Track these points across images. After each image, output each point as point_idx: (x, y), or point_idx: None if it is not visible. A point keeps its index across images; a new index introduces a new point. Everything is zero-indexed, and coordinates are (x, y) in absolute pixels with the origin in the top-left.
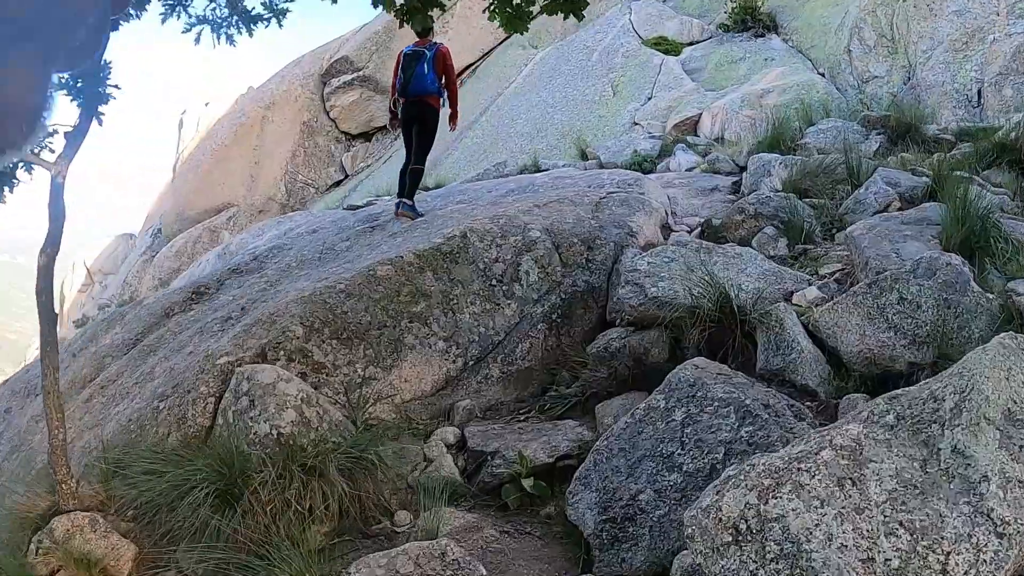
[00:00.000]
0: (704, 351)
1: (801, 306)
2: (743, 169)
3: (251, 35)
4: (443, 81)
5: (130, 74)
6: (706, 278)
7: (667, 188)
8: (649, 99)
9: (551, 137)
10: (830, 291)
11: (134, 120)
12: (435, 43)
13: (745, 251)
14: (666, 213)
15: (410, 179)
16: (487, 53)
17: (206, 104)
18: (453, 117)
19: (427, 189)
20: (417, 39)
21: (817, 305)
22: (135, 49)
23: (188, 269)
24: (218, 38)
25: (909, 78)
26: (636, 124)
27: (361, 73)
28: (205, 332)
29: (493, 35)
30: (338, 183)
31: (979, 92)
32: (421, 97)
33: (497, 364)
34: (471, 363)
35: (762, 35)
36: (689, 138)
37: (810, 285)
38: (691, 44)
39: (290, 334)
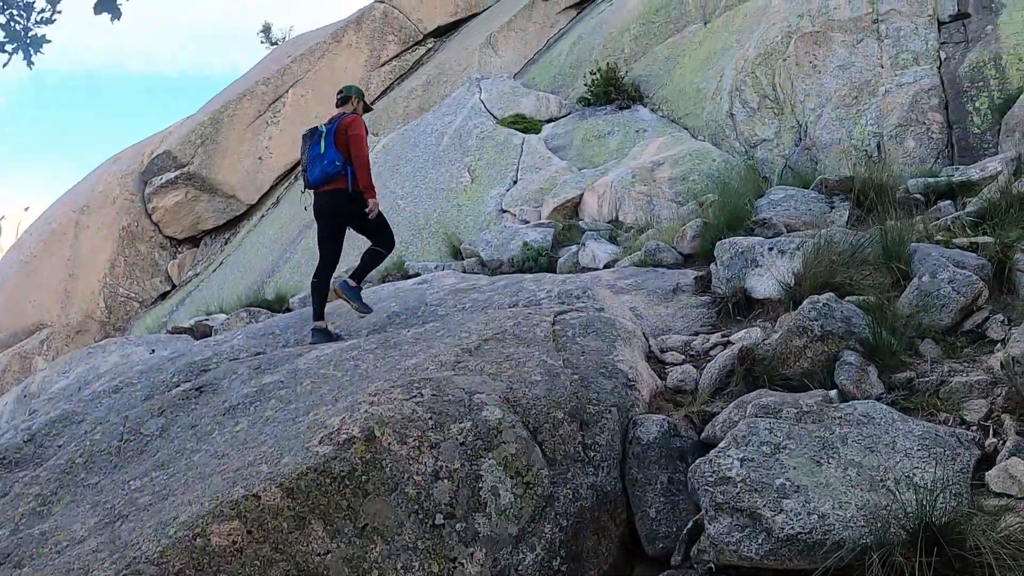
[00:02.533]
0: None
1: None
2: (688, 258)
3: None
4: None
5: None
6: (869, 479)
7: (617, 294)
8: (515, 182)
9: (404, 232)
10: None
11: None
12: (344, 114)
13: (871, 408)
14: (644, 336)
15: (365, 262)
16: None
17: (25, 209)
18: (368, 195)
19: (265, 305)
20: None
21: None
22: None
23: None
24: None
25: (801, 138)
26: (504, 211)
27: (185, 170)
28: None
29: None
30: (164, 295)
31: (879, 146)
32: (327, 184)
33: None
34: None
35: (627, 106)
36: (581, 223)
37: (999, 451)
38: (551, 121)
39: None
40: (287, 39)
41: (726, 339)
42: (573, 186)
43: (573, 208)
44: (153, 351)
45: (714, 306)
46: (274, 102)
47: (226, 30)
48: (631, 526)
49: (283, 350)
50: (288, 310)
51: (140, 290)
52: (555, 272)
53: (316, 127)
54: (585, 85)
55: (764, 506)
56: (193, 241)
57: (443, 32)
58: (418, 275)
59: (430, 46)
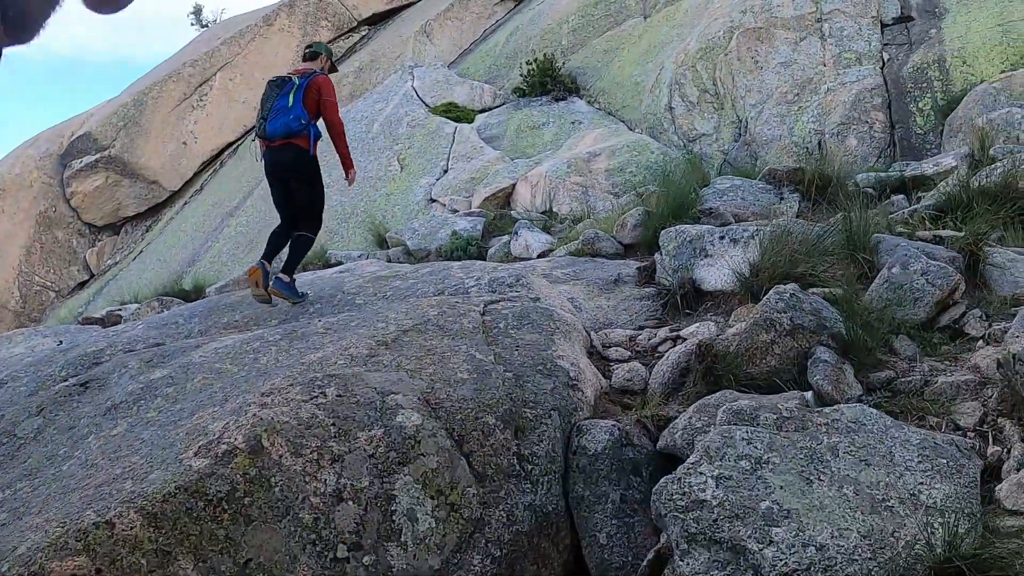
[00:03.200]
0: None
1: None
2: (629, 248)
3: None
4: (317, 119)
5: None
6: (869, 499)
7: (553, 283)
8: (445, 172)
9: (330, 220)
10: None
11: None
12: (315, 71)
13: (861, 413)
14: (585, 330)
15: (293, 251)
16: (249, 131)
17: None
18: (346, 165)
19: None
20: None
21: None
22: None
23: None
24: None
25: (740, 134)
26: (433, 201)
27: (106, 153)
28: None
29: (256, 111)
30: (82, 284)
31: (820, 143)
32: (286, 140)
33: None
34: None
35: (563, 98)
36: (513, 213)
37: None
38: (484, 111)
39: None
40: (218, 21)
41: (675, 334)
42: (506, 176)
43: (505, 199)
44: (60, 342)
45: (659, 298)
46: (201, 85)
47: (160, 14)
48: (577, 553)
49: (182, 341)
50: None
51: (57, 279)
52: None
53: (287, 76)
54: (521, 75)
55: (749, 536)
56: (113, 228)
57: (378, 20)
58: (340, 263)
59: (364, 33)
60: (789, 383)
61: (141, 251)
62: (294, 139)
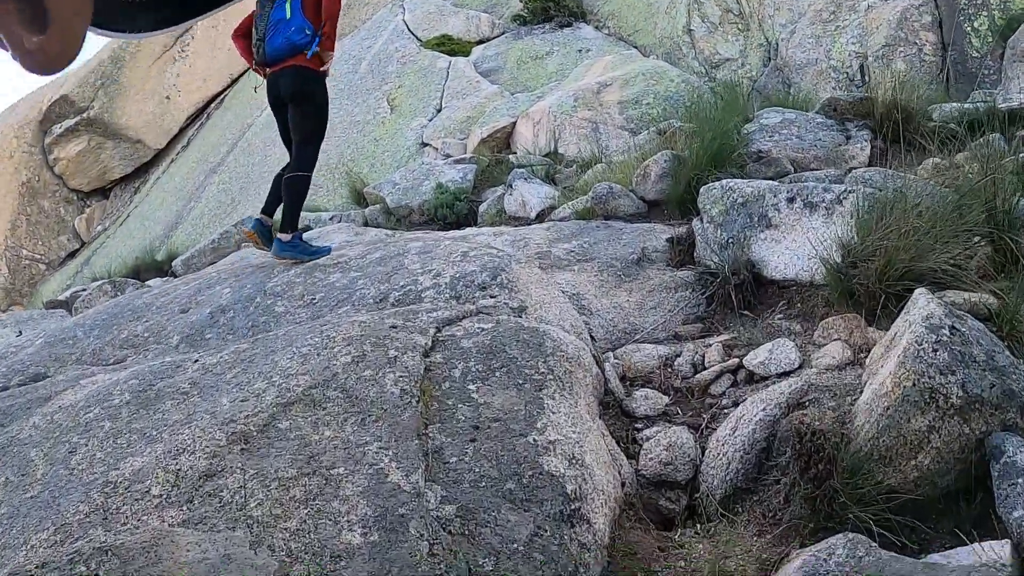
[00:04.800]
0: None
1: None
2: (653, 206)
3: None
4: (322, 27)
5: None
6: None
7: (550, 270)
8: (439, 111)
9: (317, 175)
10: None
11: None
12: None
13: None
14: (596, 359)
15: (287, 197)
16: (236, 79)
17: None
18: (329, 45)
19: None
20: None
21: None
22: None
23: None
24: None
25: (770, 58)
26: (426, 145)
27: (86, 115)
28: None
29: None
30: (73, 254)
31: (862, 68)
32: (290, 61)
33: None
34: None
35: (568, 24)
36: (512, 157)
37: None
38: (481, 42)
39: None
40: None
41: (736, 361)
42: (505, 113)
43: (505, 139)
44: (20, 332)
45: (702, 287)
46: (182, 35)
47: None
48: None
49: (39, 385)
50: (173, 274)
51: (46, 250)
52: (476, 223)
53: None
54: (521, 2)
55: None
56: (102, 193)
57: None
58: (308, 228)
59: None
60: (949, 501)
61: (128, 215)
62: (299, 58)
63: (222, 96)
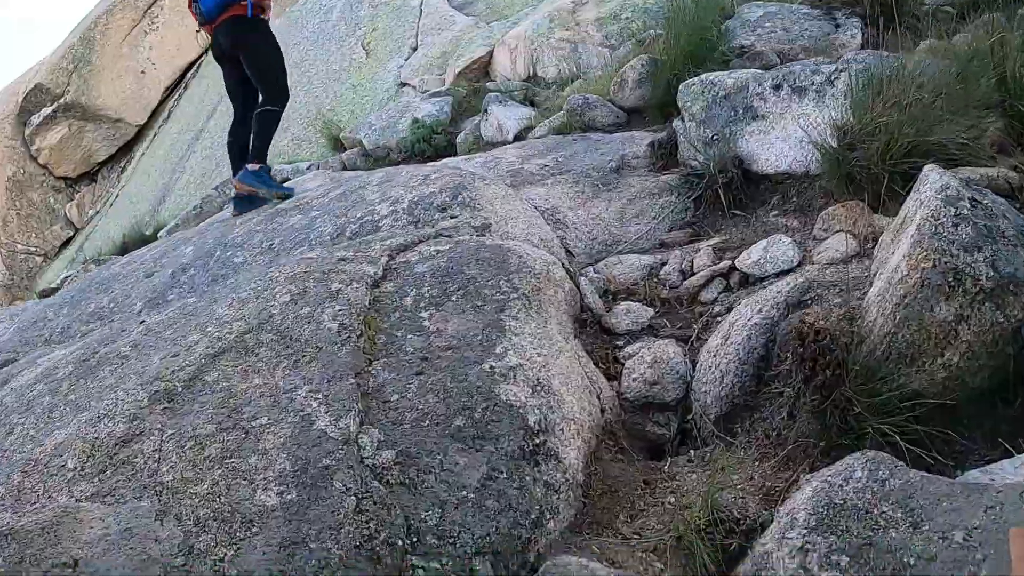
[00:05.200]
0: None
1: None
2: (633, 114)
3: None
4: None
5: None
6: None
7: (522, 187)
8: (414, 50)
9: (296, 127)
10: None
11: None
12: None
13: None
14: (569, 273)
15: (256, 128)
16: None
17: None
18: None
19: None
20: None
21: None
22: None
23: None
24: None
25: None
26: (404, 85)
27: (63, 101)
28: None
29: None
30: (68, 241)
31: None
32: (223, 15)
33: None
34: None
35: None
36: (489, 85)
37: None
38: None
39: None
40: None
41: (728, 263)
42: (481, 44)
43: (483, 69)
44: None
45: (687, 190)
46: (150, 7)
47: None
48: None
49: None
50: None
51: (40, 242)
52: (456, 155)
53: None
54: None
55: None
56: (90, 176)
57: None
58: (286, 180)
59: None
60: (984, 403)
61: (117, 196)
62: (235, 8)
63: (198, 63)
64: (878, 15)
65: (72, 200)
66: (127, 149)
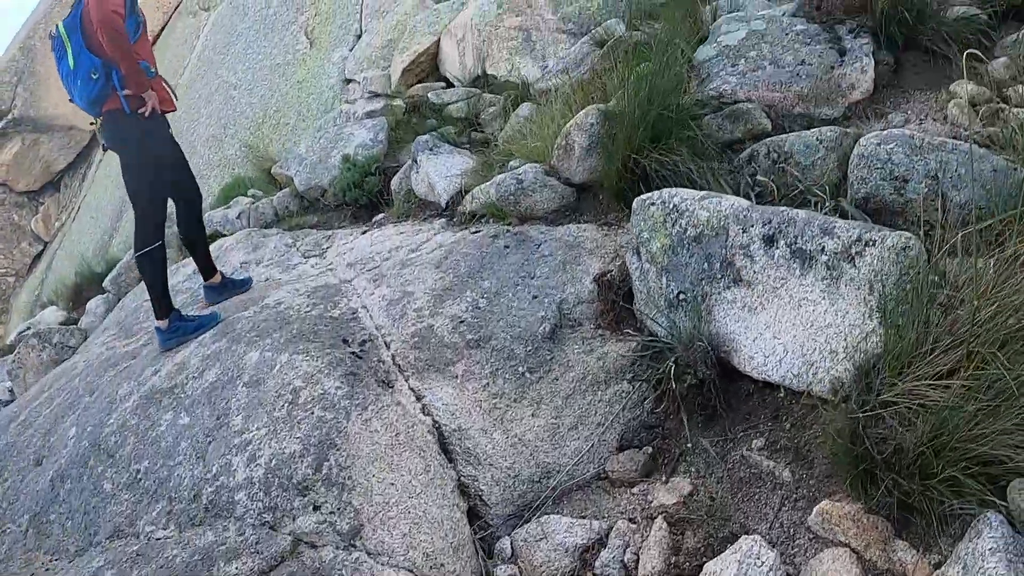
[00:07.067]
0: None
1: None
2: (583, 192)
3: None
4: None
5: None
6: None
7: (422, 374)
8: (358, 37)
9: (244, 133)
10: None
11: None
12: None
13: None
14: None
15: (142, 274)
16: (158, 34)
17: None
18: (132, 86)
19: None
20: None
21: None
22: None
23: None
24: None
25: None
26: (350, 81)
27: (12, 116)
28: None
29: (160, 9)
30: (39, 255)
31: None
32: (104, 108)
33: None
34: None
35: None
36: (431, 96)
37: None
38: None
39: None
40: None
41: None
42: (426, 31)
43: (430, 63)
44: None
45: (644, 370)
46: None
47: None
48: None
49: None
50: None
51: (10, 263)
52: (392, 203)
53: (56, 30)
54: None
55: None
56: (53, 186)
57: None
58: (218, 236)
59: None
60: None
61: (79, 208)
62: (111, 102)
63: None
64: (894, 30)
65: (36, 214)
66: (85, 154)
